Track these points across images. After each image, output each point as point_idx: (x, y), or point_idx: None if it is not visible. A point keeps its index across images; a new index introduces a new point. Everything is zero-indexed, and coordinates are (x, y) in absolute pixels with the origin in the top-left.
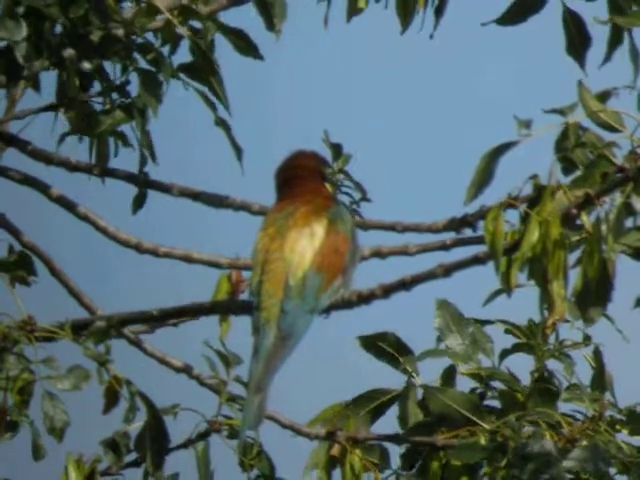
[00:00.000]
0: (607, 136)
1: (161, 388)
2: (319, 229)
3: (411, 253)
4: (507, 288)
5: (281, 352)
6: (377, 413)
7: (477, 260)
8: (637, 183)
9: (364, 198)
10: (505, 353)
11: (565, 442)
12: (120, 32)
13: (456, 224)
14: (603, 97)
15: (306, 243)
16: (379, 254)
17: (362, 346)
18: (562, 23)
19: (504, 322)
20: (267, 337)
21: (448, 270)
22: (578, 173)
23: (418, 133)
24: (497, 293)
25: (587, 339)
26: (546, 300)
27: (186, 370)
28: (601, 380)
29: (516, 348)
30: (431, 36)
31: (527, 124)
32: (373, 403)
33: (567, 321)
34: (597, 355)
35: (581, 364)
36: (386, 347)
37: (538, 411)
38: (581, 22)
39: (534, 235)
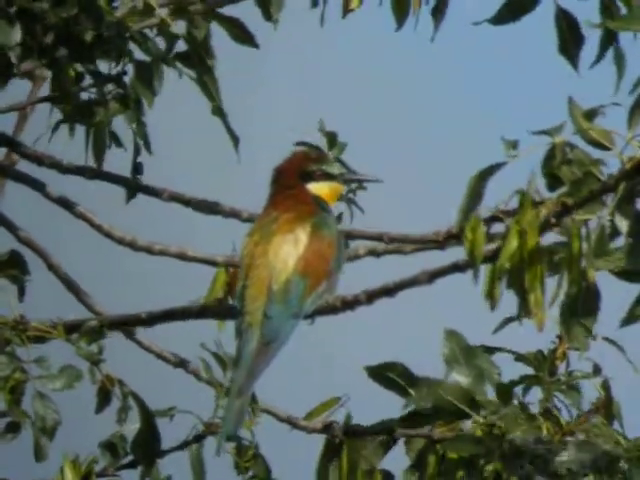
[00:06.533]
0: (596, 154)
1: (158, 384)
2: (303, 235)
3: (406, 252)
4: (491, 303)
5: (264, 357)
6: (389, 443)
7: (457, 268)
8: (620, 201)
9: (360, 187)
10: (512, 384)
11: (562, 435)
12: (112, 32)
13: (442, 236)
14: (590, 115)
15: (290, 248)
16: (374, 252)
17: (370, 376)
18: (554, 23)
19: (512, 352)
20: (250, 342)
21: (431, 276)
22: (563, 189)
23: (413, 132)
24: (508, 321)
25: (597, 370)
26: (524, 310)
27: (183, 365)
28: (609, 410)
29: (523, 380)
30: (432, 39)
31: (514, 145)
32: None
33: (577, 349)
34: (605, 386)
35: (591, 391)
36: (394, 377)
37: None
38: (574, 22)
39: (513, 245)
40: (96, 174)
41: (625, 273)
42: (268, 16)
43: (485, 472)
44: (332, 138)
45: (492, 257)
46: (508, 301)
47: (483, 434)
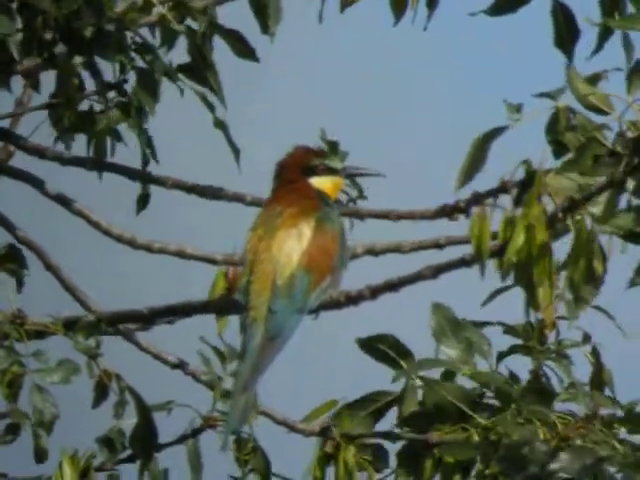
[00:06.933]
0: (596, 119)
1: (156, 383)
2: (307, 230)
3: (405, 251)
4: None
5: (268, 352)
6: (378, 415)
7: (464, 262)
8: (628, 164)
9: (361, 195)
10: (502, 355)
11: (558, 441)
12: (113, 27)
13: (448, 210)
14: (593, 79)
15: (294, 243)
16: (372, 251)
17: (361, 348)
18: (551, 16)
19: (501, 324)
20: (254, 337)
21: (436, 271)
22: (569, 156)
23: (412, 124)
24: (496, 293)
25: (587, 338)
26: (532, 305)
27: (181, 366)
28: (599, 378)
29: (513, 350)
30: (425, 28)
31: (517, 108)
32: (374, 405)
33: (565, 318)
34: (595, 353)
35: (583, 361)
36: (385, 349)
37: (532, 409)
38: (570, 15)
39: (519, 240)
40: (98, 165)
41: (632, 235)
42: (265, 29)
43: (482, 477)
44: (334, 147)
45: (498, 252)
46: (511, 301)
47: (480, 439)
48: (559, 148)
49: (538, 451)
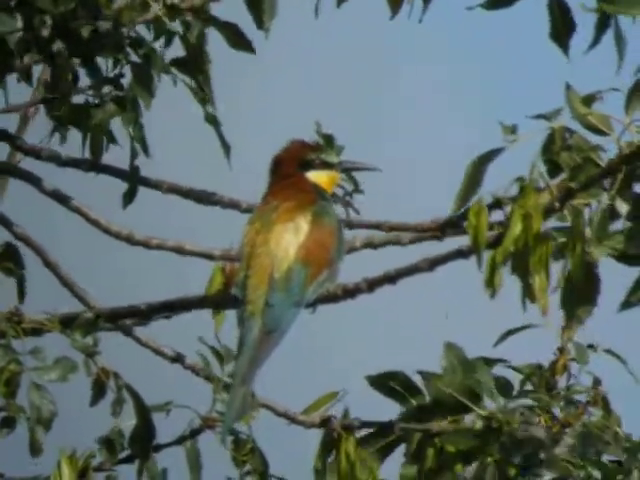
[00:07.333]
0: (594, 139)
1: (154, 379)
2: (304, 223)
3: (403, 243)
4: (490, 291)
5: (266, 345)
6: (388, 450)
7: (460, 254)
8: (621, 186)
9: (357, 189)
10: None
11: (559, 427)
12: (109, 26)
13: (440, 225)
14: (588, 100)
15: (291, 237)
16: (372, 244)
17: (371, 385)
18: (547, 9)
19: (512, 367)
20: (252, 330)
21: (432, 264)
22: (563, 176)
23: (408, 119)
24: (508, 334)
25: (597, 382)
26: (528, 294)
27: (180, 360)
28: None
29: (522, 395)
30: (420, 20)
31: (513, 129)
32: (383, 441)
33: (576, 360)
34: (604, 400)
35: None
36: (395, 386)
37: (533, 397)
38: (566, 8)
39: (517, 228)
40: (93, 166)
41: (624, 257)
42: (260, 24)
43: (483, 465)
44: (329, 140)
45: (495, 243)
46: (509, 295)
47: (482, 427)
48: (554, 168)
49: (540, 437)
